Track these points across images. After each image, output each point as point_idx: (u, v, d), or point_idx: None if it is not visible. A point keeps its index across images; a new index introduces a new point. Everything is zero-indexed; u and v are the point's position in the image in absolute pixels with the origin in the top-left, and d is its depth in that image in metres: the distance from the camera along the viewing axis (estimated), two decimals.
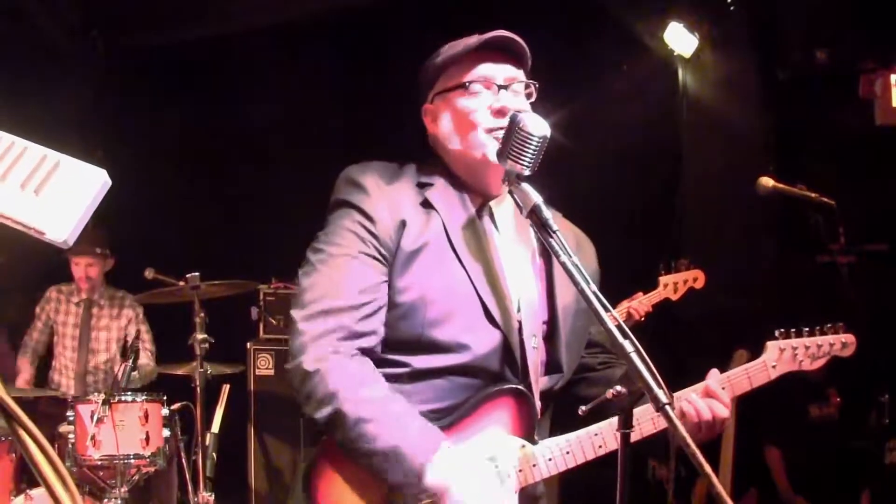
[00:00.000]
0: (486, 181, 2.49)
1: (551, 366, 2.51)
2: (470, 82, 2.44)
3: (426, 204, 2.43)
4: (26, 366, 6.48)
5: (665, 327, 5.88)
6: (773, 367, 2.67)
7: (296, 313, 2.33)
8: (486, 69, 2.46)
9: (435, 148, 2.58)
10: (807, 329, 2.76)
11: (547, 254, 2.55)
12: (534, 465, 2.37)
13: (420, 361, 2.35)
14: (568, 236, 2.39)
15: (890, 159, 6.14)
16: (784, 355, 2.69)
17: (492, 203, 2.53)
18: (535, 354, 2.44)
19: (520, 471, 2.36)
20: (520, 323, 2.41)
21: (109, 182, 1.34)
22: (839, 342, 2.81)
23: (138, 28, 7.41)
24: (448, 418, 2.35)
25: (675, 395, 2.44)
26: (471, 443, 2.35)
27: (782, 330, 2.72)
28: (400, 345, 2.36)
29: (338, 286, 2.32)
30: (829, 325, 2.79)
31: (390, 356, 2.37)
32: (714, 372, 2.56)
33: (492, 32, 2.43)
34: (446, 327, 2.34)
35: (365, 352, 2.32)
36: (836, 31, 6.18)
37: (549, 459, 2.38)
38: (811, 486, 6.27)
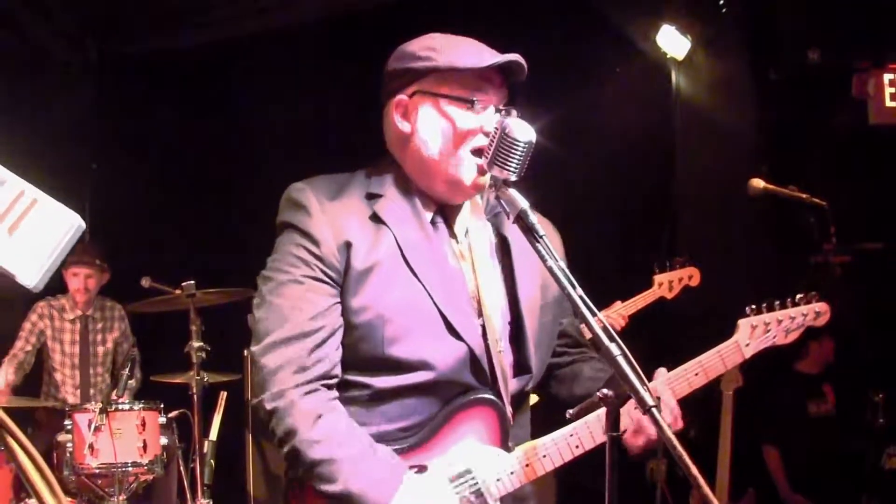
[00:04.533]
0: (448, 195, 2.44)
1: (520, 367, 2.46)
2: (476, 101, 2.35)
3: (375, 218, 2.37)
4: (10, 373, 6.25)
5: (660, 327, 5.90)
6: (747, 345, 2.59)
7: (253, 348, 2.32)
8: (490, 90, 2.39)
9: (394, 145, 2.49)
10: (778, 302, 2.66)
11: (505, 250, 2.51)
12: (511, 472, 2.36)
13: (383, 381, 2.31)
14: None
15: (884, 158, 6.16)
16: (756, 332, 2.60)
17: (445, 207, 2.47)
18: (502, 358, 2.40)
19: (498, 480, 2.34)
20: (483, 328, 2.38)
21: (83, 227, 1.32)
22: (812, 312, 2.71)
23: (133, 36, 7.41)
24: (417, 435, 2.33)
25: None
26: (441, 461, 2.33)
27: (753, 306, 2.63)
28: (362, 366, 2.33)
29: (287, 315, 2.28)
30: (800, 296, 2.71)
31: (353, 378, 2.34)
32: (661, 371, 2.48)
33: (507, 56, 2.34)
34: (407, 344, 2.29)
35: (323, 378, 2.29)
36: (828, 31, 6.18)
37: (527, 465, 2.36)
38: (810, 484, 6.28)
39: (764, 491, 6.37)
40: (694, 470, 1.80)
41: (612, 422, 1.97)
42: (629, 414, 2.33)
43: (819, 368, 6.54)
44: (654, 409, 1.86)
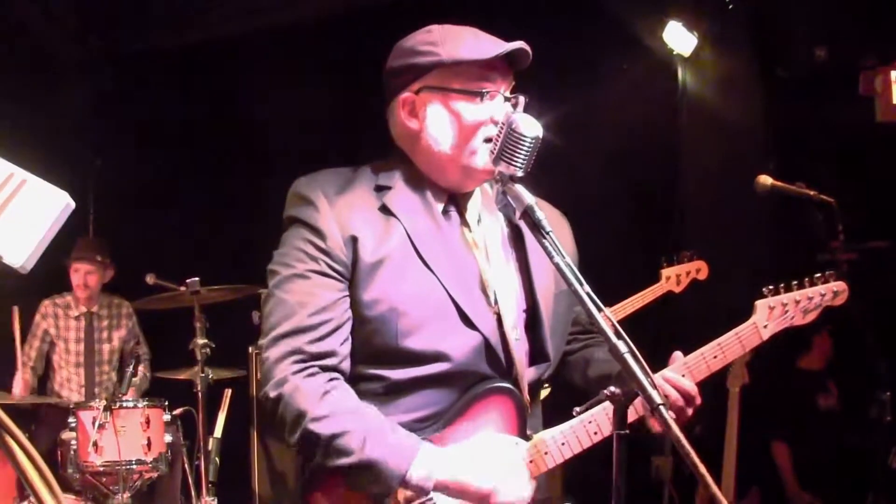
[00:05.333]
0: (462, 182, 2.43)
1: (536, 355, 2.45)
2: (486, 92, 2.34)
3: (385, 209, 2.36)
4: (25, 377, 6.28)
5: (668, 322, 5.88)
6: (765, 326, 2.57)
7: (261, 341, 2.32)
8: (497, 78, 2.37)
9: (403, 142, 2.47)
10: (795, 282, 2.65)
11: (518, 238, 2.50)
12: (530, 461, 2.34)
13: (399, 374, 2.30)
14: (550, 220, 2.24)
15: (891, 156, 6.13)
16: (774, 313, 2.58)
17: (457, 196, 2.46)
18: (519, 346, 2.39)
19: (531, 461, 2.34)
20: (499, 317, 2.36)
21: (73, 205, 1.30)
22: (830, 291, 2.69)
23: (136, 33, 7.41)
24: (435, 426, 2.32)
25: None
26: (459, 445, 2.32)
27: (770, 287, 2.61)
28: (376, 359, 2.31)
29: (291, 309, 2.27)
30: (818, 275, 2.69)
31: (367, 371, 2.33)
32: (677, 355, 2.48)
33: (512, 45, 2.32)
34: (421, 336, 2.28)
35: (327, 370, 2.27)
36: (835, 27, 6.17)
37: (545, 453, 2.34)
38: (819, 481, 6.27)
39: (769, 489, 6.36)
40: (701, 468, 1.79)
41: (619, 420, 1.96)
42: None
43: (822, 364, 6.55)
44: (661, 407, 1.85)
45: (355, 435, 2.19)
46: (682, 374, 2.44)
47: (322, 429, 2.19)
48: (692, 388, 2.40)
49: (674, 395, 2.37)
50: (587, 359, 2.63)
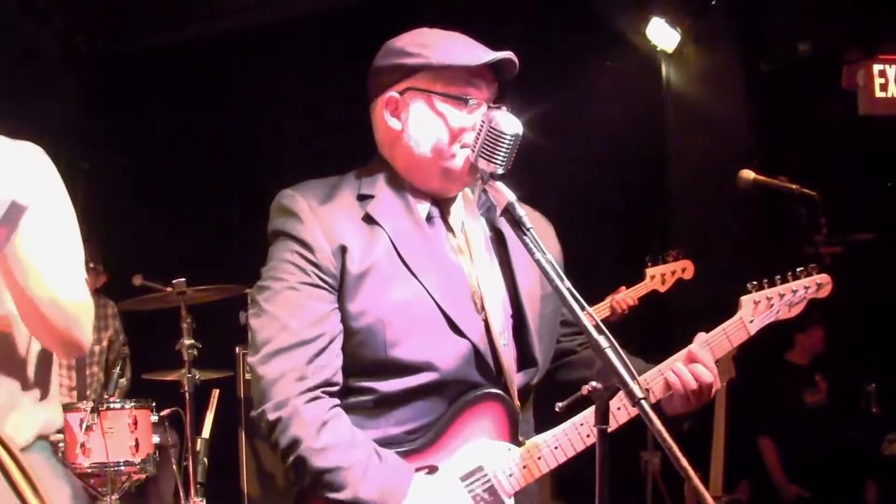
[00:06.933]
0: (443, 187, 2.41)
1: (524, 360, 2.43)
2: (471, 99, 2.33)
3: (368, 219, 2.33)
4: None
5: (656, 320, 5.90)
6: (751, 321, 2.57)
7: (251, 358, 2.28)
8: (483, 86, 2.37)
9: (383, 143, 2.45)
10: (779, 277, 2.65)
11: (501, 243, 2.48)
12: (524, 467, 2.34)
13: (387, 386, 2.28)
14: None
15: (874, 149, 6.17)
16: (759, 307, 2.58)
17: (440, 201, 2.44)
18: (507, 352, 2.37)
19: (511, 475, 2.33)
20: (486, 324, 2.35)
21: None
22: (814, 284, 2.70)
23: (123, 33, 7.40)
24: (426, 436, 2.30)
25: (661, 365, 2.41)
26: (451, 461, 2.31)
27: (755, 282, 2.61)
28: (364, 371, 2.29)
29: (285, 323, 2.24)
30: (801, 269, 2.69)
31: (356, 384, 2.30)
32: (701, 335, 2.47)
33: (502, 54, 2.32)
34: (409, 346, 2.26)
35: (324, 385, 2.25)
36: (818, 22, 6.19)
37: (539, 458, 2.34)
38: (807, 475, 6.29)
39: (757, 482, 6.39)
40: (684, 461, 1.80)
41: (601, 415, 1.96)
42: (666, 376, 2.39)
43: (808, 359, 6.57)
44: (643, 402, 1.86)
45: (348, 472, 2.18)
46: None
47: (316, 461, 2.18)
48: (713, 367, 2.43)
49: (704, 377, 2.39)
50: (590, 358, 2.61)
